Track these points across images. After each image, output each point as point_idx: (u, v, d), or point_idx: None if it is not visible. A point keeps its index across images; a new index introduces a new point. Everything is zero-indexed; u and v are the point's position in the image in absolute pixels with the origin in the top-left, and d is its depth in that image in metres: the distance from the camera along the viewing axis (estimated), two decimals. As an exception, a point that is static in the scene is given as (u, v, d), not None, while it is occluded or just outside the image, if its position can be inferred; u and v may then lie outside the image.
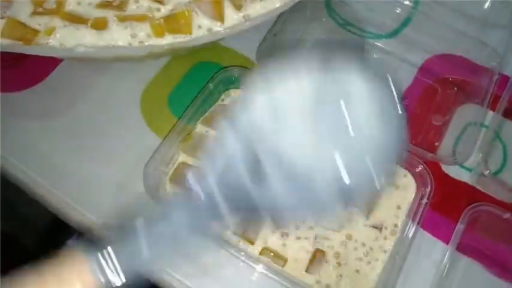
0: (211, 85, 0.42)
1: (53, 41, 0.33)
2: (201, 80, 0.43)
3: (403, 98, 0.47)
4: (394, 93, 0.27)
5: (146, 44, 0.34)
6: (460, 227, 0.38)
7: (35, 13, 0.35)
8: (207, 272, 0.38)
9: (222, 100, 0.44)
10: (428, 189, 0.39)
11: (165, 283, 0.38)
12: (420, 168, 0.40)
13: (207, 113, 0.43)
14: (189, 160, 0.41)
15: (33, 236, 0.69)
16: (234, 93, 0.44)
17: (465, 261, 0.40)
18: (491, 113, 0.43)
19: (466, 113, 0.45)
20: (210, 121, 0.42)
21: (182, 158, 0.41)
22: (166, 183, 0.39)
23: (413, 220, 0.38)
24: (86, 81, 0.45)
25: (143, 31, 0.35)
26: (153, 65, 0.46)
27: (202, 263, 0.38)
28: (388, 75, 0.27)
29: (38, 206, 0.41)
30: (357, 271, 0.37)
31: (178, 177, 0.39)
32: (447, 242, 0.39)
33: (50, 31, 0.34)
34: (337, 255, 0.37)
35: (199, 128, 0.42)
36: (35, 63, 0.45)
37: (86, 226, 0.40)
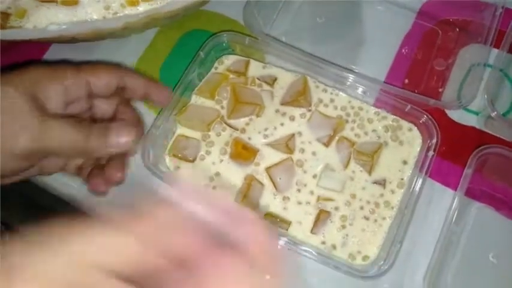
0: (202, 53, 0.39)
1: (26, 23, 0.31)
2: (191, 50, 0.40)
3: (402, 45, 0.43)
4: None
5: (121, 14, 0.31)
6: (467, 171, 0.35)
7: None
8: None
9: (216, 68, 0.41)
10: (434, 141, 0.35)
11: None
12: (425, 118, 0.36)
13: (201, 83, 0.40)
14: (187, 132, 0.38)
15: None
16: (227, 60, 0.41)
17: (475, 206, 0.38)
18: (495, 51, 0.40)
19: (469, 54, 0.41)
20: (205, 91, 0.40)
21: (180, 130, 0.38)
22: (166, 156, 0.38)
23: (420, 173, 0.35)
24: (75, 62, 0.43)
25: (116, 2, 0.32)
26: (141, 40, 0.43)
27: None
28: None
29: (54, 196, 0.41)
30: (363, 230, 0.35)
31: (177, 150, 0.38)
32: (457, 189, 0.36)
33: (22, 13, 0.31)
34: (343, 216, 0.35)
35: (195, 98, 0.40)
36: (23, 53, 0.42)
37: (91, 207, 0.39)
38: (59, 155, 0.34)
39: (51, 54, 0.43)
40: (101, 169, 0.34)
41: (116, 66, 0.35)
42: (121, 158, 0.34)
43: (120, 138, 0.31)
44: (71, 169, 0.36)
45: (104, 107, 0.35)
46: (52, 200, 0.41)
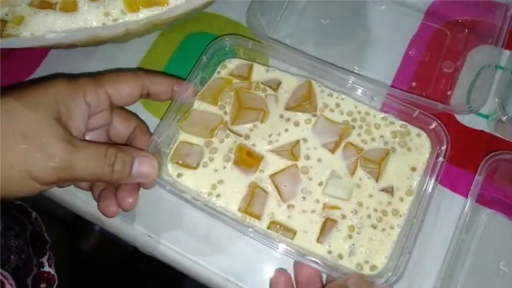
0: (204, 58, 0.38)
1: (24, 31, 0.30)
2: (193, 53, 0.39)
3: (409, 47, 0.42)
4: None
5: (121, 21, 0.31)
6: (478, 178, 0.34)
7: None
8: (219, 249, 0.36)
9: (218, 73, 0.40)
10: (444, 147, 0.34)
11: (178, 264, 0.36)
12: (434, 125, 0.35)
13: (204, 88, 0.39)
14: (190, 138, 0.38)
15: (61, 228, 0.69)
16: (229, 64, 0.40)
17: (486, 212, 0.37)
18: (507, 52, 0.39)
19: (479, 56, 0.40)
20: (207, 96, 0.39)
21: (182, 136, 0.38)
22: (168, 163, 0.37)
23: (429, 179, 0.33)
24: (75, 68, 0.41)
25: (116, 8, 0.31)
26: (142, 44, 0.42)
27: (213, 241, 0.36)
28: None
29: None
30: (371, 239, 0.34)
31: (180, 157, 0.37)
32: (467, 196, 0.35)
33: (19, 20, 0.30)
34: (350, 226, 0.34)
35: (197, 104, 0.39)
36: (21, 58, 0.42)
37: (95, 216, 0.38)
38: (82, 181, 0.35)
39: (51, 58, 0.42)
40: (112, 190, 0.34)
41: (136, 73, 0.34)
42: (133, 183, 0.34)
43: (143, 170, 0.32)
44: (83, 186, 0.36)
45: (120, 129, 0.35)
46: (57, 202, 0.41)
